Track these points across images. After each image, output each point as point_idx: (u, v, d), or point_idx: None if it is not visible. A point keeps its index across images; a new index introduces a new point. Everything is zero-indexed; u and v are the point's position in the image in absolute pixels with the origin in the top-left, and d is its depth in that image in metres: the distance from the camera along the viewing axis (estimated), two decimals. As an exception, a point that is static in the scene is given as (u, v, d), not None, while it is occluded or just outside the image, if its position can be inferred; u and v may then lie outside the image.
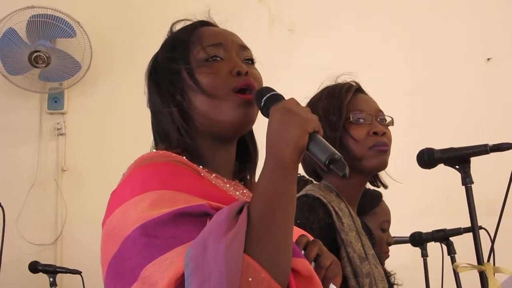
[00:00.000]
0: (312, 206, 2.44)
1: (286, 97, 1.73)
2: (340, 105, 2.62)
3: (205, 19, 2.06)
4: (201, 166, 1.85)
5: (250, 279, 1.51)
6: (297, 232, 1.81)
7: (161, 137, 1.94)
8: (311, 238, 1.83)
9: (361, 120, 2.60)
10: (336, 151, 1.61)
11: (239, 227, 1.54)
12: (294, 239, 1.71)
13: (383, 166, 2.62)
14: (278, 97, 1.76)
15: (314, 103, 2.66)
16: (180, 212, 1.60)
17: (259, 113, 1.83)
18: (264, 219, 1.57)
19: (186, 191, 1.67)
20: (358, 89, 2.70)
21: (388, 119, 2.67)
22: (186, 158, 1.83)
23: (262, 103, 1.75)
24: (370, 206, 3.30)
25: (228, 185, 1.89)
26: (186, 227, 1.59)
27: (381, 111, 2.67)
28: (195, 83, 1.87)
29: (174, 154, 1.81)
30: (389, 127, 2.69)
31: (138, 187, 1.69)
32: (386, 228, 3.59)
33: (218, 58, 1.89)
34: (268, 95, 1.76)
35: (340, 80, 2.73)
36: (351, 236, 2.43)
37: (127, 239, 1.62)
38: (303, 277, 1.62)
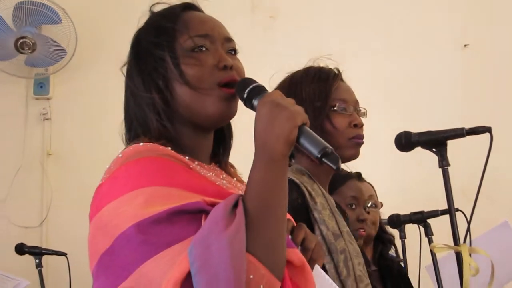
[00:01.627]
0: (289, 187, 2.46)
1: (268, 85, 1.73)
2: (327, 92, 2.61)
3: (189, 1, 2.01)
4: (187, 157, 1.82)
5: (251, 276, 1.51)
6: None
7: (139, 121, 1.89)
8: (294, 221, 1.84)
9: (344, 110, 2.60)
10: (327, 144, 1.62)
11: (238, 222, 1.53)
12: None
13: (357, 156, 2.64)
14: (261, 89, 1.75)
15: (297, 84, 2.64)
16: (176, 210, 1.58)
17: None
18: (260, 214, 1.57)
19: (179, 186, 1.65)
20: (340, 76, 2.70)
21: (363, 110, 2.68)
22: (172, 149, 1.79)
23: (245, 94, 1.74)
24: (335, 186, 3.29)
25: (210, 173, 1.86)
26: (181, 224, 1.58)
27: (358, 102, 2.68)
28: (180, 74, 1.84)
29: (161, 147, 1.77)
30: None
31: (129, 184, 1.65)
32: (353, 203, 3.59)
33: (204, 49, 1.86)
34: (251, 86, 1.75)
35: (321, 63, 2.72)
36: (324, 214, 2.44)
37: (121, 236, 1.59)
38: (296, 267, 1.63)
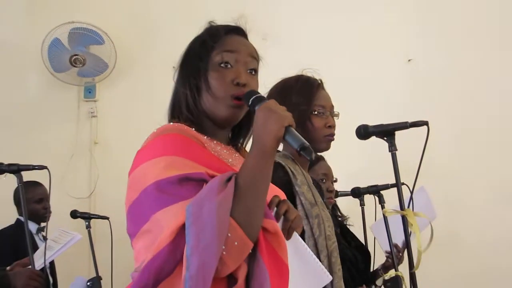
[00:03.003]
0: (276, 167, 2.47)
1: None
2: (310, 99, 2.63)
3: (237, 24, 2.00)
4: (205, 137, 1.87)
5: (229, 234, 1.55)
6: (274, 191, 1.84)
7: (175, 108, 1.93)
8: (284, 197, 1.87)
9: (322, 114, 2.62)
10: (305, 141, 1.67)
11: (227, 192, 1.57)
12: (269, 198, 1.75)
13: (328, 149, 2.67)
14: (261, 98, 1.78)
15: (287, 88, 2.65)
16: (185, 176, 1.63)
17: None
18: (246, 189, 1.60)
19: (192, 158, 1.69)
20: (322, 85, 2.71)
21: (336, 113, 2.70)
22: (195, 129, 1.84)
23: (250, 102, 1.77)
24: (309, 166, 3.30)
25: (225, 151, 1.90)
26: (188, 187, 1.62)
27: (333, 106, 2.69)
28: (205, 84, 1.87)
29: (186, 127, 1.81)
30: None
31: (158, 151, 1.70)
32: (323, 179, 3.59)
33: (228, 66, 1.87)
34: (254, 97, 1.78)
35: (305, 72, 2.72)
36: (303, 188, 2.47)
37: (145, 190, 1.65)
38: (270, 233, 1.66)
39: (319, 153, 2.78)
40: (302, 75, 2.72)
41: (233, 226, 1.56)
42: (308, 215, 2.43)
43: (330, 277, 1.85)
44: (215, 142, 1.90)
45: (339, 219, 3.72)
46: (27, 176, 3.77)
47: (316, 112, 2.62)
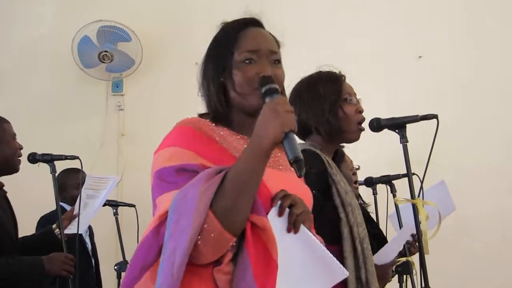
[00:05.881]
0: (314, 156, 2.45)
1: None
2: (339, 89, 2.61)
3: (253, 16, 1.94)
4: (226, 129, 1.83)
5: (205, 225, 1.55)
6: (296, 183, 1.83)
7: (206, 101, 1.90)
8: (309, 201, 1.83)
9: (351, 101, 2.61)
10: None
11: (212, 183, 1.58)
12: (296, 192, 1.74)
13: (357, 139, 2.64)
14: (273, 91, 1.70)
15: (313, 83, 2.63)
16: (181, 167, 1.67)
17: None
18: (233, 185, 1.58)
19: (194, 150, 1.70)
20: (344, 76, 2.70)
21: (359, 99, 2.69)
22: (218, 124, 1.83)
23: (263, 91, 1.72)
24: (341, 159, 3.31)
25: (242, 141, 1.83)
26: (184, 176, 1.65)
27: (356, 94, 2.67)
28: (230, 81, 1.83)
29: (201, 121, 1.83)
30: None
31: (167, 142, 1.76)
32: (354, 172, 3.60)
33: (252, 61, 1.81)
34: (267, 87, 1.71)
35: (322, 69, 2.70)
36: (338, 177, 2.45)
37: (152, 177, 1.73)
38: (259, 228, 1.62)
39: (346, 144, 2.74)
40: (322, 70, 2.71)
41: (211, 218, 1.55)
42: (345, 204, 2.41)
43: (347, 273, 1.76)
44: (239, 136, 1.84)
45: (363, 206, 3.73)
46: (59, 165, 3.80)
47: (346, 100, 2.61)
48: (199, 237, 1.54)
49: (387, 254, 2.86)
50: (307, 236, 1.71)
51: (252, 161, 1.60)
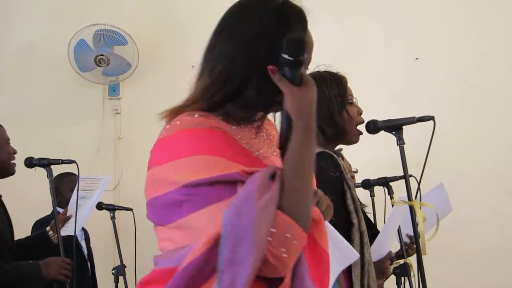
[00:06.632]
0: (333, 160, 2.44)
1: None
2: (344, 90, 2.62)
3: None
4: (233, 126, 1.60)
5: (288, 235, 1.37)
6: None
7: (212, 90, 1.58)
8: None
9: (353, 102, 2.62)
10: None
11: (272, 195, 1.38)
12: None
13: (357, 142, 2.66)
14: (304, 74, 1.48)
15: (319, 84, 2.59)
16: (215, 179, 1.43)
17: None
18: (294, 177, 1.41)
19: (223, 155, 1.47)
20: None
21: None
22: (222, 119, 1.59)
23: (297, 59, 1.45)
24: None
25: (253, 136, 1.63)
26: (221, 188, 1.42)
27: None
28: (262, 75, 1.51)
29: (213, 121, 1.56)
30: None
31: (186, 150, 1.48)
32: (352, 175, 3.59)
33: None
34: (301, 57, 1.45)
35: (319, 69, 2.67)
36: (350, 182, 2.45)
37: (172, 192, 1.47)
38: (314, 221, 1.48)
39: (346, 145, 2.74)
40: (325, 70, 2.69)
41: (290, 224, 1.38)
42: (357, 210, 2.41)
43: (358, 255, 1.81)
44: (242, 126, 1.63)
45: (361, 207, 3.73)
46: (56, 169, 3.80)
47: (350, 101, 2.61)
48: (283, 249, 1.37)
49: (379, 250, 2.86)
50: (329, 227, 1.70)
51: (308, 142, 1.43)
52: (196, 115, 1.57)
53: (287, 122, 1.46)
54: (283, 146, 1.47)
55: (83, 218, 3.83)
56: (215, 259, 1.36)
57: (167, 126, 1.59)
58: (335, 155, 2.47)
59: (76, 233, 3.79)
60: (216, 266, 1.36)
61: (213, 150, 1.48)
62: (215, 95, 1.58)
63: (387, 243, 2.90)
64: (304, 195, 1.42)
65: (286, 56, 1.44)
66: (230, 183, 1.42)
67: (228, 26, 1.63)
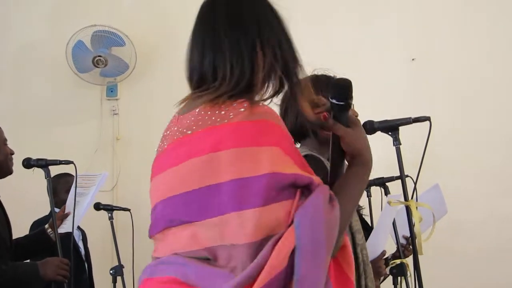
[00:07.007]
0: (317, 162, 2.41)
1: None
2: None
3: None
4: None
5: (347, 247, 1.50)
6: None
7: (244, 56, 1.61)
8: None
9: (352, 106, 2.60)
10: None
11: (335, 219, 1.43)
12: None
13: None
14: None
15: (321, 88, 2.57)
16: (296, 177, 1.43)
17: None
18: (345, 206, 1.47)
19: (292, 157, 1.48)
20: None
21: None
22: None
23: (343, 103, 1.54)
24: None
25: None
26: (290, 190, 1.43)
27: None
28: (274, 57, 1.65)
29: (278, 115, 1.56)
30: None
31: (264, 138, 1.45)
32: None
33: None
34: (349, 101, 1.55)
35: (316, 72, 2.63)
36: None
37: (255, 178, 1.41)
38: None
39: None
40: (322, 74, 2.67)
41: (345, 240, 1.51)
42: None
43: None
44: None
45: (357, 208, 3.73)
46: (54, 170, 3.80)
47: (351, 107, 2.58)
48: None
49: (372, 249, 2.86)
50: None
51: (363, 182, 1.57)
52: (263, 105, 1.56)
53: (339, 153, 1.55)
54: (334, 176, 1.56)
55: (81, 214, 3.83)
56: (292, 263, 1.38)
57: (227, 114, 1.50)
58: (322, 158, 2.45)
59: (74, 233, 3.80)
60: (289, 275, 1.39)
61: (288, 150, 1.48)
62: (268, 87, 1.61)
63: (380, 243, 2.90)
64: (344, 226, 1.48)
65: (334, 101, 1.53)
66: (295, 187, 1.45)
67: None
